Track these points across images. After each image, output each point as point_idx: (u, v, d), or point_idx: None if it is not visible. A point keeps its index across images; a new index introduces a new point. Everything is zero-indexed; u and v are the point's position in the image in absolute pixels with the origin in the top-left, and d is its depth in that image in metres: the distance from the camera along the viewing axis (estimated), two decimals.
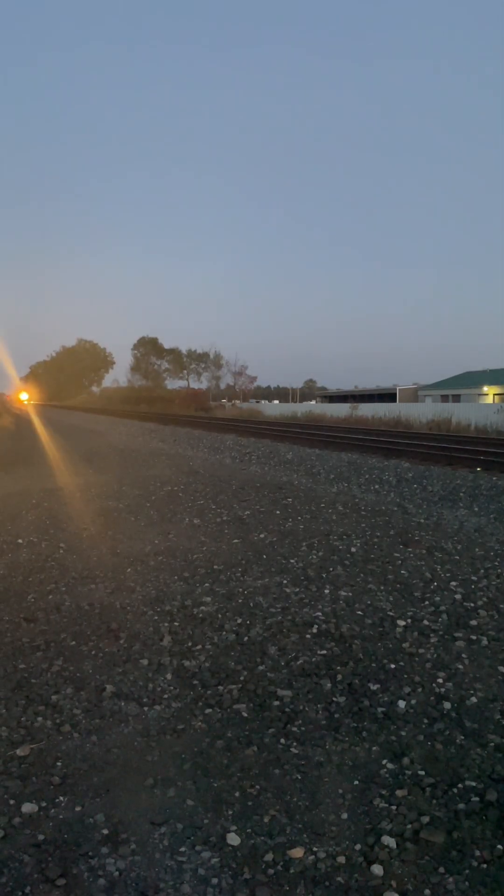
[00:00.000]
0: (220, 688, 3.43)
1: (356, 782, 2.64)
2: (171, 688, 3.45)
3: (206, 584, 5.21)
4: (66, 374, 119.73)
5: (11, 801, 2.51)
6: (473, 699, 3.29)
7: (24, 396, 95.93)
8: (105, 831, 2.35)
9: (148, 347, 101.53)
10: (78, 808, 2.47)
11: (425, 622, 4.33)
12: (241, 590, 5.06)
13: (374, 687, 3.43)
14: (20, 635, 4.17)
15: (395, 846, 2.27)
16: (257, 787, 2.62)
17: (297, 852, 2.25)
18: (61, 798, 2.54)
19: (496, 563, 5.74)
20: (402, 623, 4.31)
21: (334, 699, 3.31)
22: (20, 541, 6.84)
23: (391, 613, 4.49)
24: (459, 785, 2.61)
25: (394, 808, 2.47)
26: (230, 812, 2.47)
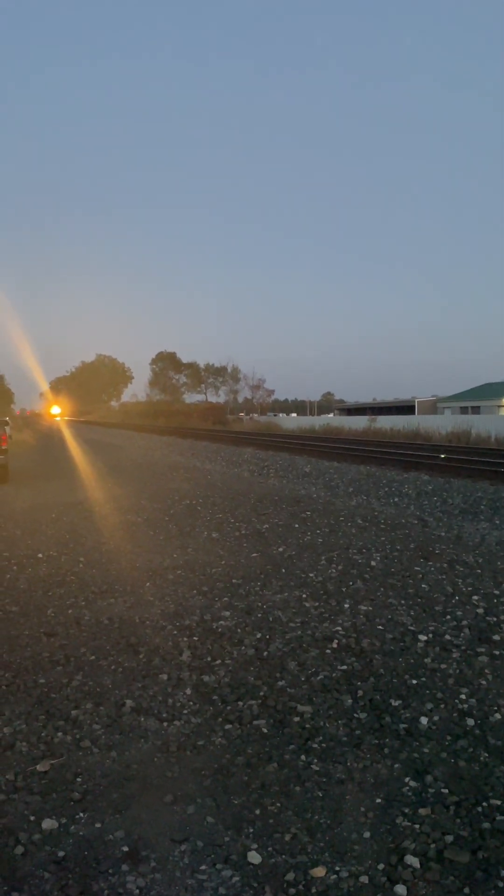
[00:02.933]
0: (240, 703, 3.41)
1: (378, 800, 2.60)
2: (191, 703, 3.44)
3: (225, 599, 5.20)
4: (86, 389, 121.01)
5: (32, 818, 2.51)
6: (497, 715, 3.24)
7: (55, 410, 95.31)
8: (125, 848, 2.33)
9: (166, 362, 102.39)
10: (98, 825, 2.46)
11: (447, 637, 4.28)
12: (260, 604, 5.04)
13: (395, 703, 3.39)
14: (40, 650, 4.18)
15: (418, 866, 2.23)
16: (278, 804, 2.59)
17: (319, 871, 2.22)
18: (81, 814, 2.53)
19: None
20: (423, 638, 4.26)
21: (355, 715, 3.27)
22: (40, 555, 6.89)
23: (412, 628, 4.44)
24: (484, 803, 2.56)
25: (417, 826, 2.43)
26: (251, 830, 2.44)
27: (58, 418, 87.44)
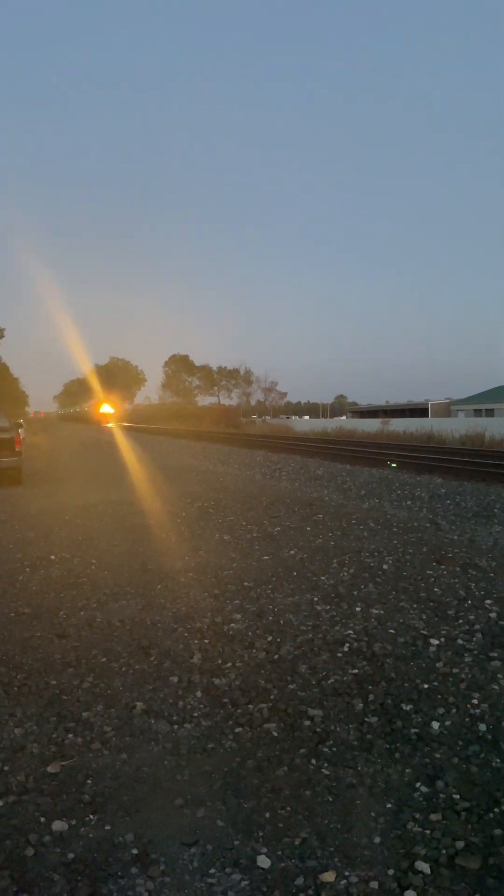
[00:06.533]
0: (251, 706, 3.41)
1: (389, 805, 2.59)
2: (202, 706, 3.43)
3: (237, 601, 5.19)
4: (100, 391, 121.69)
5: (42, 819, 2.52)
6: None
7: (106, 409, 75.41)
8: (135, 851, 2.34)
9: (179, 365, 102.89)
10: (108, 827, 2.47)
11: (459, 641, 4.25)
12: (271, 607, 5.03)
13: (407, 707, 3.37)
14: (52, 651, 4.20)
15: (429, 872, 2.21)
16: (288, 808, 2.58)
17: (329, 876, 2.20)
18: (91, 816, 2.54)
19: None
20: (435, 642, 4.23)
21: (366, 719, 3.26)
22: (53, 557, 6.92)
23: (424, 632, 4.41)
24: (496, 809, 2.54)
25: (428, 832, 2.41)
26: (261, 834, 2.43)
27: (110, 422, 68.22)
